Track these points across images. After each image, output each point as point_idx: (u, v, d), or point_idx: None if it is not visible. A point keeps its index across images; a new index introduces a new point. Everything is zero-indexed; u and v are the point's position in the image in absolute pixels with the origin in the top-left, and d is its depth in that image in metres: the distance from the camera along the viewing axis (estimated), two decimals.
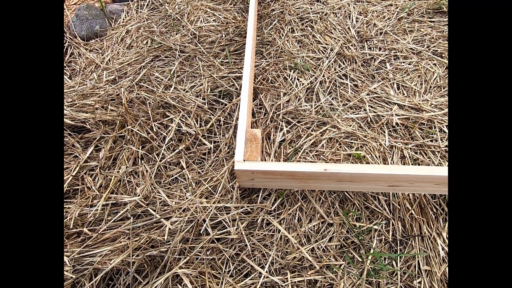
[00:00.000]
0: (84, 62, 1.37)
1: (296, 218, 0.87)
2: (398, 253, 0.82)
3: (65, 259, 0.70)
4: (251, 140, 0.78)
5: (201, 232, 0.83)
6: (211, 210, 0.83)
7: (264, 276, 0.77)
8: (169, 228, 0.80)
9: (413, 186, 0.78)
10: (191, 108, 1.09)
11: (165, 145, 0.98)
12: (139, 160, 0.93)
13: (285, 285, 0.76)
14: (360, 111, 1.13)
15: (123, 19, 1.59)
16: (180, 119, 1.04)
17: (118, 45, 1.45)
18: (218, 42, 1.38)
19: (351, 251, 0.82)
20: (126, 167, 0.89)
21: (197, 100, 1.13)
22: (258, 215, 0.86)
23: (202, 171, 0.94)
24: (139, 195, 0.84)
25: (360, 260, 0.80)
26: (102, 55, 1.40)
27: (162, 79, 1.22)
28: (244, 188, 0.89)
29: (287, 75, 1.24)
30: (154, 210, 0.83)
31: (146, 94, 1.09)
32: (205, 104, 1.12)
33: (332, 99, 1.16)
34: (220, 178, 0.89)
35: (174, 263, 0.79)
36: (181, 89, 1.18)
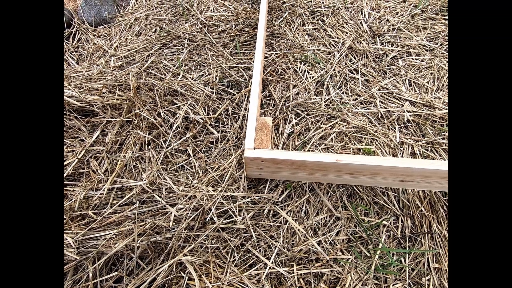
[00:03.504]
0: (91, 47, 1.35)
1: (303, 210, 0.86)
2: (407, 249, 0.80)
3: (69, 240, 0.69)
4: (261, 128, 0.76)
5: (207, 220, 0.81)
6: (218, 198, 0.82)
7: (269, 267, 0.76)
8: (175, 215, 0.79)
9: (424, 181, 0.77)
10: (199, 96, 1.07)
11: (172, 132, 0.97)
12: (146, 146, 0.91)
13: (291, 276, 0.75)
14: (371, 106, 1.11)
15: (132, 6, 1.57)
16: (188, 107, 1.03)
17: (127, 32, 1.43)
18: (227, 32, 1.36)
19: (358, 245, 0.80)
20: (133, 152, 0.88)
21: (205, 89, 1.11)
22: (264, 205, 0.84)
23: (209, 160, 0.93)
24: (145, 181, 0.82)
25: (368, 255, 0.78)
26: (110, 42, 1.39)
27: (170, 67, 1.20)
28: (251, 179, 0.88)
29: (297, 67, 1.22)
30: (160, 197, 0.82)
31: (154, 80, 1.08)
32: (213, 94, 1.11)
33: (343, 93, 1.15)
34: (227, 167, 0.88)
35: (179, 250, 0.78)
36: (189, 77, 1.16)
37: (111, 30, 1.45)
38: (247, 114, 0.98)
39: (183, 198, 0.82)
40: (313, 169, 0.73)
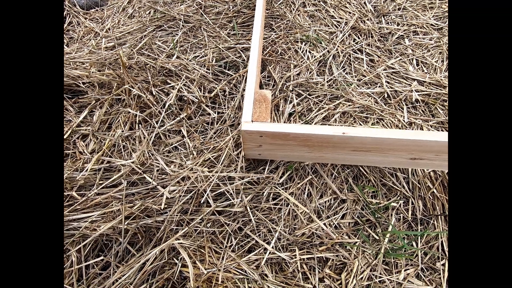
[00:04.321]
0: (83, 30, 1.29)
1: (306, 193, 0.80)
2: (419, 231, 0.74)
3: None
4: (260, 101, 0.70)
5: (202, 203, 0.75)
6: (213, 179, 0.76)
7: (269, 252, 0.70)
8: (167, 197, 0.73)
9: (438, 159, 0.70)
10: (195, 76, 1.01)
11: (165, 112, 0.91)
12: (136, 125, 0.85)
13: (293, 262, 0.69)
14: (376, 86, 1.05)
15: None
16: (182, 86, 0.96)
17: (120, 14, 1.37)
18: (224, 13, 1.30)
19: (366, 228, 0.74)
20: (122, 131, 0.82)
21: (201, 69, 1.05)
22: (264, 188, 0.78)
23: (205, 140, 0.87)
24: (134, 161, 0.76)
25: (377, 238, 0.72)
26: (102, 24, 1.33)
27: (165, 48, 1.14)
28: (249, 161, 0.82)
29: (298, 47, 1.15)
30: (151, 178, 0.76)
31: (146, 59, 1.02)
32: (209, 74, 1.05)
33: (346, 73, 1.08)
34: (224, 147, 0.82)
35: (171, 235, 0.72)
36: (184, 58, 1.10)
37: (104, 13, 1.39)
38: (242, 105, 0.92)
39: (176, 180, 0.76)
40: (317, 145, 0.67)
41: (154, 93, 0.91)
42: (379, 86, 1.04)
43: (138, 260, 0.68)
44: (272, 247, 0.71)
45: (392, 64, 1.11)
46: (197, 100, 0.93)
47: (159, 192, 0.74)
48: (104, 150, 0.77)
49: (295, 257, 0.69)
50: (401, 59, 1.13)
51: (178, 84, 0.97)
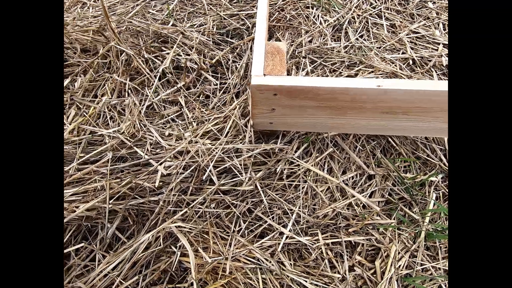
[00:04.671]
0: (69, 1, 1.17)
1: (326, 168, 0.68)
2: None
3: None
4: (273, 53, 0.58)
5: (204, 181, 0.63)
6: (217, 153, 0.64)
7: (286, 236, 0.58)
8: (162, 174, 0.61)
9: None
10: (193, 43, 0.89)
11: (159, 81, 0.78)
12: (126, 93, 0.73)
13: (316, 247, 0.57)
14: (400, 52, 0.92)
15: None
16: (180, 52, 0.84)
17: None
18: None
19: (402, 207, 0.62)
20: (109, 99, 0.69)
21: (200, 36, 0.93)
22: (277, 163, 0.66)
23: (206, 111, 0.74)
24: (123, 131, 0.64)
25: (416, 217, 0.60)
26: None
27: (159, 17, 1.02)
28: (258, 135, 0.69)
29: (309, 13, 1.03)
30: (143, 152, 0.64)
31: (139, 23, 0.89)
32: (210, 42, 0.92)
33: (364, 39, 0.96)
34: (229, 115, 0.70)
35: (168, 218, 0.60)
36: (181, 26, 0.98)
37: None
38: (251, 61, 0.79)
39: (173, 153, 0.64)
40: (344, 105, 0.55)
41: (146, 58, 0.79)
42: (403, 52, 0.92)
43: (128, 248, 0.56)
44: (290, 231, 0.59)
45: (415, 28, 0.98)
46: (196, 67, 0.81)
47: (152, 167, 0.62)
48: (87, 118, 0.65)
49: (318, 242, 0.57)
50: (425, 23, 1.00)
51: (174, 49, 0.84)
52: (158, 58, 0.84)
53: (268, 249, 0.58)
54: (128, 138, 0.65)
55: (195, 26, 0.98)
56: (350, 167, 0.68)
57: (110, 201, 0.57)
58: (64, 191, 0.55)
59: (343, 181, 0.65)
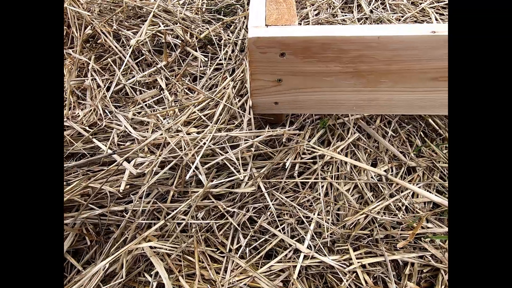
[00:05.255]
0: None
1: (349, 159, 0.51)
2: None
3: None
4: (277, 2, 0.42)
5: (188, 182, 0.47)
6: (206, 143, 0.47)
7: (304, 256, 0.41)
8: (131, 174, 0.45)
9: None
10: (177, 18, 0.74)
11: (134, 60, 0.63)
12: (89, 74, 0.57)
13: (348, 270, 0.40)
14: (424, 23, 0.77)
15: None
16: (161, 25, 0.69)
17: None
18: None
19: None
20: (68, 79, 0.53)
21: (187, 12, 0.78)
22: (286, 156, 0.50)
23: (192, 94, 0.59)
24: (80, 119, 0.48)
25: None
26: None
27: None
28: (259, 122, 0.53)
29: None
30: (105, 145, 0.48)
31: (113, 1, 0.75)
32: (198, 18, 0.78)
33: (379, 11, 0.81)
34: (221, 91, 0.54)
35: (139, 234, 0.43)
36: (165, 4, 0.83)
37: None
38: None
39: (147, 146, 0.48)
40: (380, 68, 0.39)
41: (118, 33, 0.63)
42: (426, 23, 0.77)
43: (84, 279, 0.39)
44: (308, 247, 0.42)
45: None
46: (180, 44, 0.66)
47: (118, 166, 0.46)
48: None
49: (350, 263, 0.40)
50: None
51: (153, 21, 0.69)
52: (135, 33, 0.69)
53: (279, 276, 0.41)
54: (87, 128, 0.49)
55: (181, 2, 0.84)
56: (382, 157, 0.52)
57: None
58: None
59: (381, 174, 0.49)
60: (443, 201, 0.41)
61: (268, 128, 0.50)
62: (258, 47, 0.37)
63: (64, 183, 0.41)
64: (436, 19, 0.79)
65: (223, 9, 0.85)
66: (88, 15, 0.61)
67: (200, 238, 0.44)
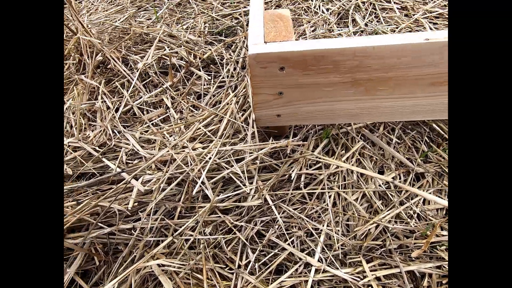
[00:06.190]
0: None
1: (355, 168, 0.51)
2: None
3: None
4: (274, 21, 0.45)
5: (195, 196, 0.47)
6: (212, 157, 0.48)
7: (317, 270, 0.40)
8: (139, 191, 0.46)
9: None
10: (181, 42, 0.78)
11: (140, 82, 0.66)
12: (100, 97, 0.60)
13: (362, 284, 0.38)
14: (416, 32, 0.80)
15: None
16: (166, 49, 0.73)
17: (98, 2, 1.21)
18: None
19: None
20: (79, 101, 0.56)
21: (191, 36, 0.83)
22: (291, 167, 0.50)
23: (197, 111, 0.61)
24: (91, 139, 0.50)
25: None
26: (78, 13, 1.16)
27: (147, 23, 0.94)
28: (262, 135, 0.54)
29: (309, 4, 0.94)
30: (114, 164, 0.49)
31: (121, 24, 0.80)
32: (201, 41, 0.82)
33: (373, 24, 0.84)
34: (226, 105, 0.56)
35: (147, 252, 0.43)
36: (169, 29, 0.89)
37: (81, 4, 1.24)
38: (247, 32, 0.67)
39: (154, 164, 0.49)
40: (377, 77, 0.40)
41: (126, 58, 0.67)
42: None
43: None
44: (319, 261, 0.41)
45: (431, 8, 0.87)
46: (185, 64, 0.69)
47: (127, 184, 0.47)
48: None
49: (364, 276, 0.39)
50: (440, 3, 0.89)
51: (159, 46, 0.73)
52: (140, 59, 0.73)
53: None
54: (97, 148, 0.50)
55: (184, 28, 0.89)
56: (388, 165, 0.51)
57: (66, 235, 0.41)
58: None
59: (388, 181, 0.48)
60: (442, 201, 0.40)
61: (272, 140, 0.51)
62: (259, 62, 0.39)
63: (74, 202, 0.42)
64: (431, 28, 0.81)
65: (224, 30, 0.90)
66: (99, 43, 0.66)
67: (208, 255, 0.43)
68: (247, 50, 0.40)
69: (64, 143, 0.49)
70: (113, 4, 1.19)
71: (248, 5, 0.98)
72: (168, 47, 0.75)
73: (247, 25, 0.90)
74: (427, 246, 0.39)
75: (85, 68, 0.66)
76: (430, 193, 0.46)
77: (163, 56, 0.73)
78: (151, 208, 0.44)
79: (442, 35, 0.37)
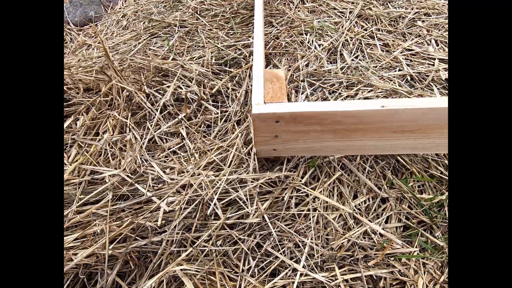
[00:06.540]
0: (75, 44, 1.24)
1: (336, 193, 0.64)
2: None
3: None
4: (271, 81, 0.58)
5: (209, 215, 0.60)
6: (221, 184, 0.61)
7: (300, 274, 0.53)
8: (165, 211, 0.58)
9: None
10: (193, 75, 0.91)
11: (160, 114, 0.79)
12: (128, 129, 0.73)
13: (334, 285, 0.51)
14: (396, 70, 0.93)
15: (120, 6, 1.49)
16: (180, 84, 0.86)
17: (114, 27, 1.33)
18: (221, 15, 1.25)
19: (422, 232, 0.57)
20: (111, 135, 0.69)
21: (200, 68, 0.95)
22: (284, 191, 0.63)
23: (208, 141, 0.73)
24: (124, 168, 0.63)
25: (441, 244, 0.55)
26: (96, 37, 1.27)
27: (160, 52, 1.06)
28: (262, 162, 0.68)
29: (303, 39, 1.07)
30: (144, 188, 0.62)
31: (141, 60, 0.93)
32: (209, 72, 0.95)
33: (359, 60, 0.98)
34: (231, 144, 0.68)
35: (172, 260, 0.56)
36: (181, 60, 1.01)
37: (97, 28, 1.36)
38: (251, 89, 0.80)
39: (175, 188, 0.62)
40: (350, 128, 0.54)
41: (147, 93, 0.80)
42: (399, 70, 0.93)
43: None
44: (303, 267, 0.54)
45: (409, 46, 1.00)
46: (197, 98, 0.82)
47: (154, 205, 0.60)
48: (87, 157, 0.64)
49: (336, 279, 0.52)
50: (417, 40, 1.02)
51: (174, 82, 0.86)
52: (160, 91, 0.86)
53: None
54: (129, 174, 0.63)
55: (194, 59, 1.02)
56: (361, 190, 0.64)
57: (110, 246, 0.54)
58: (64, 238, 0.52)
59: (355, 206, 0.62)
60: (391, 236, 0.53)
61: (269, 164, 0.64)
62: (259, 118, 0.52)
63: (118, 221, 0.55)
64: (408, 65, 0.95)
65: (229, 61, 1.03)
66: (125, 81, 0.78)
67: (219, 261, 0.56)
68: (251, 106, 0.53)
69: (105, 173, 0.61)
70: (127, 29, 1.31)
71: (249, 37, 1.10)
72: (181, 81, 0.88)
73: (249, 56, 1.02)
74: (382, 256, 0.52)
75: (112, 102, 0.79)
76: (388, 216, 0.59)
77: (178, 88, 0.86)
78: (175, 225, 0.57)
79: (394, 103, 0.50)
